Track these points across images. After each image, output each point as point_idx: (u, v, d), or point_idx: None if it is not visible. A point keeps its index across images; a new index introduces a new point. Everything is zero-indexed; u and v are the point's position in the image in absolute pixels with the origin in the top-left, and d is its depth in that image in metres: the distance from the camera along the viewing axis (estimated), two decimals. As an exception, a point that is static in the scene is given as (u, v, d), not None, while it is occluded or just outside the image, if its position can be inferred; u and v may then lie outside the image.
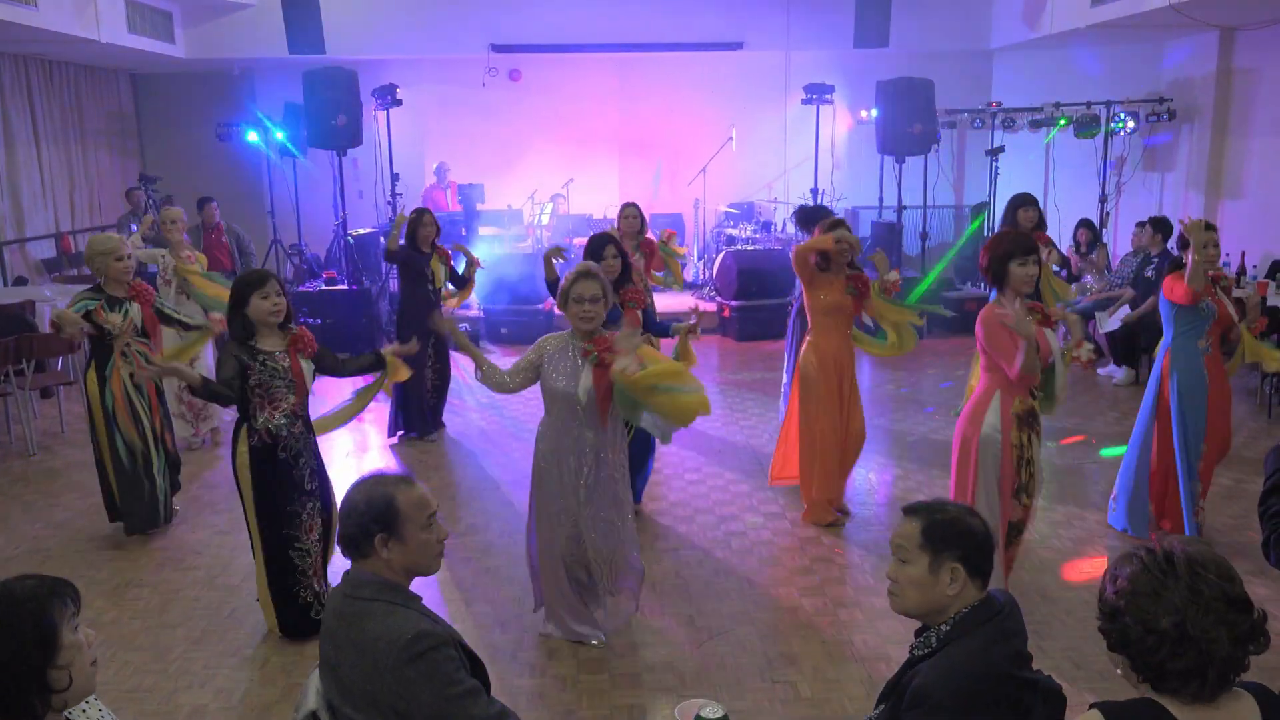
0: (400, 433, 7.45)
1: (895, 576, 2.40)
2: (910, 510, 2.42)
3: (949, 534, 2.32)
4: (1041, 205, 12.08)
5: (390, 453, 7.19)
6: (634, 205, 6.96)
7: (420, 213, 7.36)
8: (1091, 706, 1.93)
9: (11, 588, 1.98)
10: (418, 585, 2.52)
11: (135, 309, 5.51)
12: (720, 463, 6.81)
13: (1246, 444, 7.05)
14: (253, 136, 11.03)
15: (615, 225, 7.05)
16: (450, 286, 7.55)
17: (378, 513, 2.41)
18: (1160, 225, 8.86)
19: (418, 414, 7.38)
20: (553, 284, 5.84)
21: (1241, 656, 1.87)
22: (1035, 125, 11.42)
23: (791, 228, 12.43)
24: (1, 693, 1.92)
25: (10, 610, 1.94)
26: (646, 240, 7.18)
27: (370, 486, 2.46)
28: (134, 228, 9.97)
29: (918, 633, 2.42)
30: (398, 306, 7.69)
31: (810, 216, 7.55)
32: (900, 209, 11.58)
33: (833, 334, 5.60)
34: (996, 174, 11.57)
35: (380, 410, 8.33)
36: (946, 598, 2.31)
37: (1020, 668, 2.26)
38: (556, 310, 4.80)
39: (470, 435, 7.56)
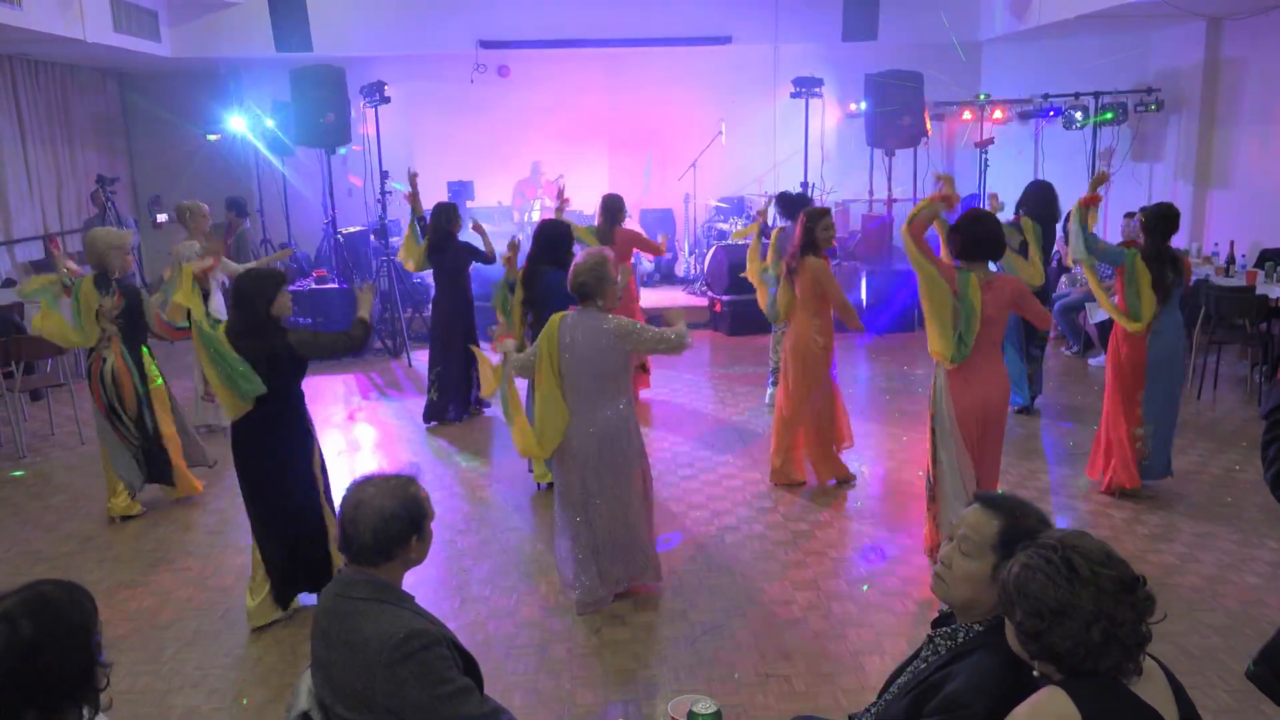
0: (434, 422, 7.73)
1: (951, 565, 2.25)
2: (990, 503, 2.26)
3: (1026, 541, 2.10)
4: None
5: (385, 453, 7.18)
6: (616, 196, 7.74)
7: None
8: (1052, 685, 1.94)
9: (53, 592, 2.02)
10: (410, 582, 2.51)
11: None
12: (713, 457, 6.81)
13: (1239, 430, 7.08)
14: (237, 123, 11.07)
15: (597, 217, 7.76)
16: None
17: (414, 517, 2.44)
18: None
19: (451, 402, 7.71)
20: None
21: (1146, 630, 1.92)
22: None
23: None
24: (62, 692, 1.97)
25: (66, 613, 2.00)
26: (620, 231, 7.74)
27: (399, 491, 2.45)
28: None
29: (937, 622, 2.35)
30: (434, 302, 7.93)
31: (793, 204, 7.67)
32: (890, 202, 11.59)
33: (814, 318, 5.91)
34: (986, 165, 11.58)
35: (374, 409, 8.33)
36: (994, 601, 2.15)
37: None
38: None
39: (459, 433, 7.54)
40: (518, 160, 13.04)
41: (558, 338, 4.37)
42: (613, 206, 7.73)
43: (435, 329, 7.77)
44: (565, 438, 4.43)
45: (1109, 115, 10.83)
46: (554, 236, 6.11)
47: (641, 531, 4.62)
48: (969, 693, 2.12)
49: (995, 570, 2.16)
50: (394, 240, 11.38)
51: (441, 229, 7.56)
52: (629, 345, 4.32)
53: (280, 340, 4.33)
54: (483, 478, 6.59)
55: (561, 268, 5.70)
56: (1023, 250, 6.45)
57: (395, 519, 2.40)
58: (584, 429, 4.40)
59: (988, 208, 6.02)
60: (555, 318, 4.44)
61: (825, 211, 5.91)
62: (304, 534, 4.51)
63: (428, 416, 7.73)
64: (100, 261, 5.67)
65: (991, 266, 4.78)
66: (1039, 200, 7.17)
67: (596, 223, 7.76)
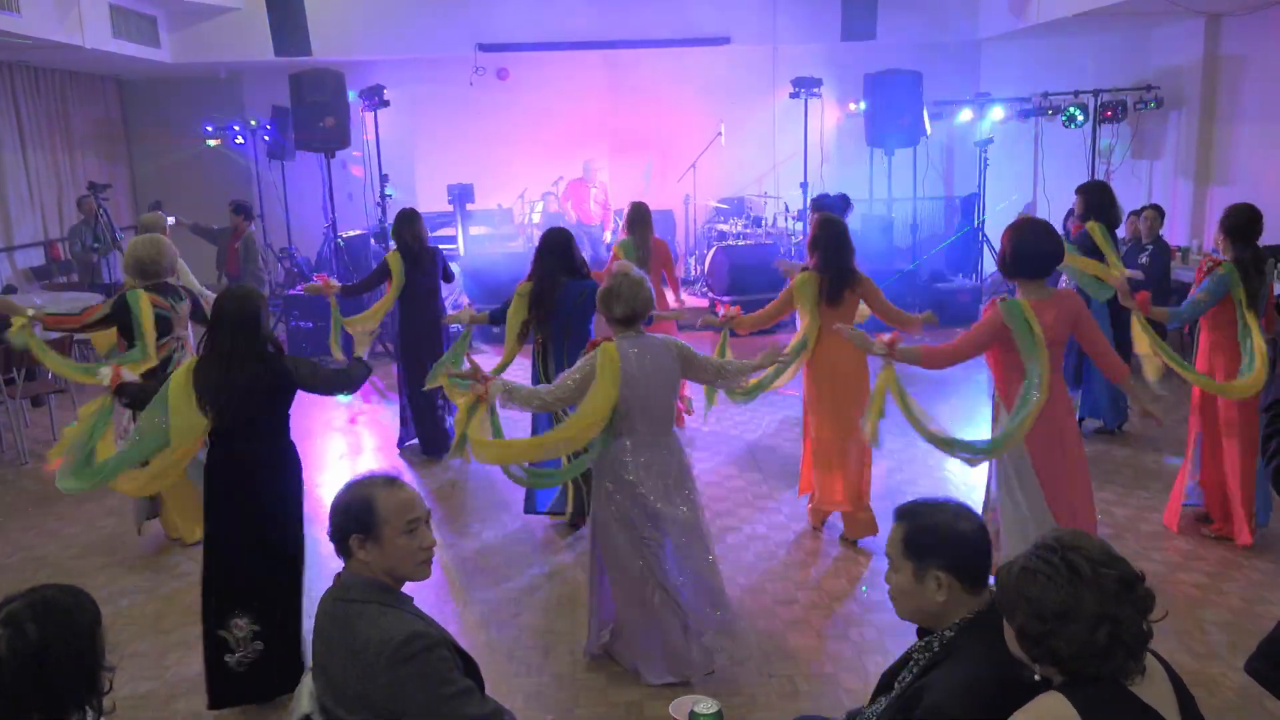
0: (411, 443, 7.08)
1: (888, 582, 2.33)
2: (898, 514, 2.33)
3: (932, 541, 2.22)
4: (1031, 195, 12.03)
5: (385, 456, 7.18)
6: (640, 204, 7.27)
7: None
8: (1052, 689, 1.93)
9: (58, 596, 2.05)
10: (411, 585, 2.51)
11: None
12: (714, 459, 6.80)
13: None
14: (237, 128, 11.10)
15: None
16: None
17: (355, 513, 2.39)
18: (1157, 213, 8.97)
19: (431, 430, 6.93)
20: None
21: (1148, 627, 1.91)
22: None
23: (783, 222, 12.53)
24: (67, 696, 2.00)
25: (71, 616, 2.02)
26: (656, 241, 7.24)
27: (355, 487, 2.45)
28: (89, 239, 9.95)
29: (920, 634, 2.35)
30: (403, 320, 6.93)
31: (814, 206, 7.69)
32: (890, 201, 11.59)
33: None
34: (986, 164, 11.58)
35: (375, 412, 8.33)
36: (937, 604, 2.22)
37: (1027, 670, 2.17)
38: None
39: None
40: (519, 163, 13.04)
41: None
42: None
43: (405, 351, 6.90)
44: None
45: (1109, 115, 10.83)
46: (563, 244, 5.45)
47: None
48: (944, 700, 2.12)
49: (915, 575, 2.22)
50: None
51: (420, 237, 6.80)
52: None
53: None
54: (484, 481, 6.58)
55: (581, 277, 5.40)
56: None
57: (335, 512, 2.42)
58: None
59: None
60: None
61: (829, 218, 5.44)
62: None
63: (401, 441, 7.14)
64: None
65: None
66: (1100, 205, 6.56)
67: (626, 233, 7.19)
